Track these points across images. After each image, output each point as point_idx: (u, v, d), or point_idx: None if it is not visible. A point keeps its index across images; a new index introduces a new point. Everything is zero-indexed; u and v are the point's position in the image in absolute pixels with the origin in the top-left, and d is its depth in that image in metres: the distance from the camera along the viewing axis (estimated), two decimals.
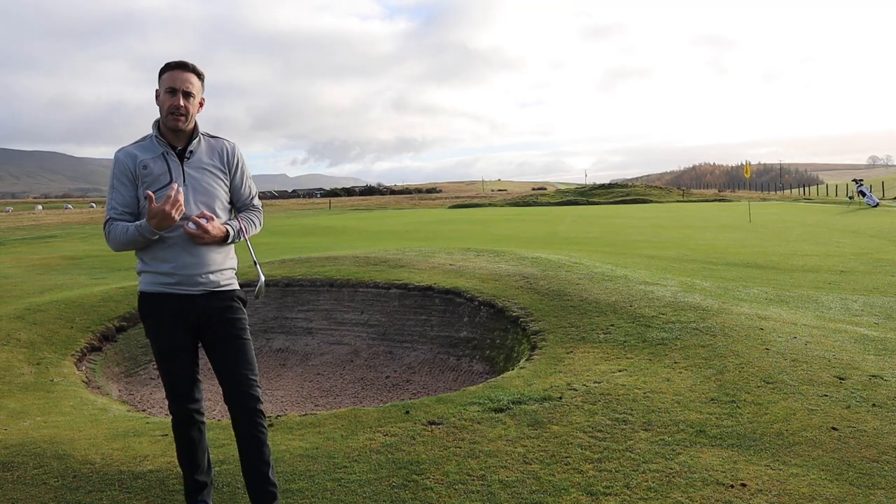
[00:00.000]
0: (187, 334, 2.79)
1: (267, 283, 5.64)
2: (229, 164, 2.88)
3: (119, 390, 6.31)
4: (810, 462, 3.20)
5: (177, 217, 2.64)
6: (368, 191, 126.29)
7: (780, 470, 3.13)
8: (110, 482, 3.30)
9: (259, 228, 3.01)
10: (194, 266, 2.73)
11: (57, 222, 38.83)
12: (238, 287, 2.91)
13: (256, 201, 3.03)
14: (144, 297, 2.80)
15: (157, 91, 2.76)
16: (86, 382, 5.85)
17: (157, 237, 2.68)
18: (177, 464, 3.44)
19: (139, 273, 2.81)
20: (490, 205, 55.56)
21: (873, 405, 3.84)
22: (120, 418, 4.54)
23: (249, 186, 2.98)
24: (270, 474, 2.79)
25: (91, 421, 4.44)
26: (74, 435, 4.02)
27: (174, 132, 2.76)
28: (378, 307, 7.93)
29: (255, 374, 2.82)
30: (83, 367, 6.26)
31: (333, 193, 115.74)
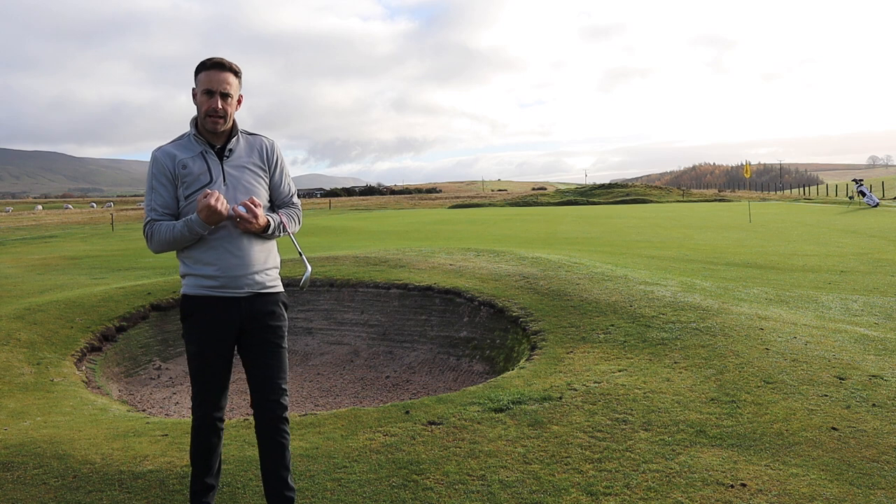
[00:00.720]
0: (229, 338, 2.74)
1: None
2: (269, 162, 2.83)
3: (119, 390, 6.30)
4: (810, 462, 3.20)
5: (224, 212, 2.60)
6: (368, 191, 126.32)
7: (780, 470, 3.13)
8: (110, 482, 3.30)
9: (298, 227, 2.96)
10: (238, 267, 2.68)
11: (57, 222, 38.83)
12: (282, 289, 2.86)
13: (296, 199, 2.97)
14: (188, 299, 2.74)
15: (193, 90, 2.70)
16: (86, 382, 5.84)
17: (206, 232, 2.63)
18: (177, 464, 3.45)
19: (183, 276, 2.76)
20: (490, 205, 55.56)
21: (873, 405, 3.84)
22: (120, 418, 4.54)
23: (289, 184, 2.93)
24: (289, 479, 2.80)
25: (91, 421, 4.44)
26: (74, 435, 4.02)
27: (213, 133, 2.72)
28: (378, 307, 7.94)
29: (286, 382, 2.81)
30: (83, 367, 6.26)
31: (333, 193, 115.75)
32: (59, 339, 6.57)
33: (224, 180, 2.70)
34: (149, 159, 2.79)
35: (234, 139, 2.75)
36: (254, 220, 2.64)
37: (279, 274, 2.88)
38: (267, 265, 2.78)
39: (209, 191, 2.61)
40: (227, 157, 2.73)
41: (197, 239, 2.65)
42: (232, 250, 2.67)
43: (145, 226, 2.70)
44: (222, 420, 2.86)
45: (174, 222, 2.65)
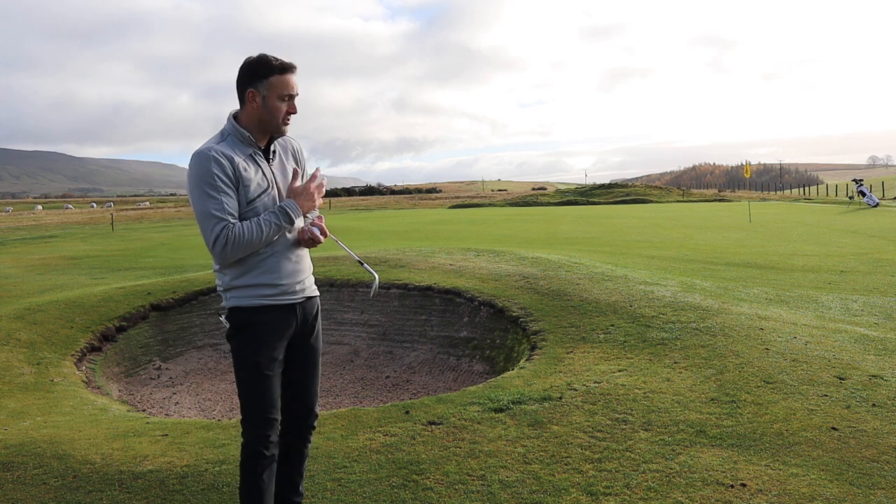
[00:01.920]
0: (284, 347, 2.62)
1: None
2: (299, 163, 2.75)
3: (119, 390, 6.30)
4: (810, 462, 3.20)
5: (319, 200, 2.56)
6: (368, 191, 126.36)
7: (780, 470, 3.13)
8: (110, 482, 3.30)
9: None
10: (296, 273, 2.60)
11: (57, 222, 38.84)
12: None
13: None
14: (243, 311, 2.54)
15: (252, 92, 2.50)
16: (86, 382, 5.84)
17: (299, 220, 2.54)
18: (177, 464, 3.45)
19: (227, 290, 2.56)
20: (490, 205, 55.56)
21: (873, 405, 3.84)
22: (120, 418, 4.54)
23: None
24: (301, 487, 2.79)
25: (91, 421, 4.44)
26: (74, 435, 4.02)
27: (263, 133, 2.58)
28: (378, 307, 7.94)
29: (318, 387, 2.80)
30: (83, 367, 6.26)
31: (333, 193, 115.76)
32: (59, 339, 6.57)
33: (275, 183, 2.58)
34: (189, 160, 2.55)
35: (275, 140, 2.64)
36: (322, 241, 2.61)
37: None
38: (310, 269, 2.74)
39: (318, 169, 2.57)
40: (273, 159, 2.62)
41: (282, 233, 2.52)
42: (289, 256, 2.59)
43: (220, 231, 2.41)
44: (276, 447, 2.61)
45: (256, 218, 2.48)
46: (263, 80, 2.50)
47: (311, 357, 2.71)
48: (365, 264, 2.91)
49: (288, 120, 2.57)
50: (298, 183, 2.58)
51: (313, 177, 2.59)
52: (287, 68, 2.51)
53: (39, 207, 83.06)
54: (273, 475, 2.61)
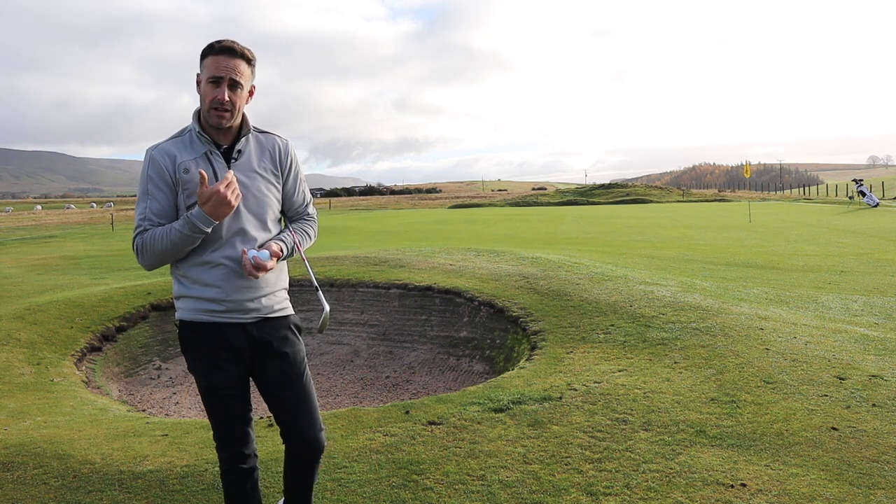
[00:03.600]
0: (239, 367, 2.37)
1: None
2: (282, 166, 2.44)
3: (119, 390, 6.30)
4: (810, 462, 3.20)
5: (234, 202, 2.22)
6: (368, 191, 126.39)
7: (780, 470, 3.13)
8: (110, 482, 3.30)
9: (313, 241, 2.58)
10: (246, 290, 2.31)
11: (57, 222, 38.84)
12: (292, 312, 2.51)
13: (311, 209, 2.59)
14: (186, 326, 2.34)
15: (197, 77, 2.29)
16: (86, 382, 5.84)
17: (209, 230, 2.23)
18: (177, 464, 3.45)
19: (177, 298, 2.36)
20: (490, 205, 55.56)
21: (873, 405, 3.84)
22: (120, 418, 4.54)
23: (303, 192, 2.54)
24: (308, 496, 2.58)
25: (91, 421, 4.44)
26: (74, 435, 4.02)
27: (218, 129, 2.32)
28: (378, 307, 7.94)
29: (317, 411, 2.45)
30: (83, 367, 6.26)
31: (333, 193, 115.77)
32: (59, 339, 6.57)
33: None
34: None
35: (243, 138, 2.36)
36: (259, 275, 2.28)
37: (289, 295, 2.54)
38: (277, 286, 2.43)
39: (229, 172, 2.24)
40: (236, 159, 2.34)
41: (197, 242, 2.25)
42: (238, 270, 2.30)
43: (135, 237, 2.27)
44: (255, 457, 2.46)
45: (168, 225, 2.24)
46: (201, 63, 2.28)
47: (285, 383, 2.40)
48: (320, 292, 2.59)
49: (219, 107, 2.25)
50: (219, 186, 2.19)
51: (225, 179, 2.21)
52: (222, 49, 2.24)
53: (39, 207, 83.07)
54: (257, 482, 2.49)
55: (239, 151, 2.35)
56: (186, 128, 2.37)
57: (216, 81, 2.24)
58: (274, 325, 2.40)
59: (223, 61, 2.24)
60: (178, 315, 2.38)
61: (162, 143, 2.34)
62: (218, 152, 2.33)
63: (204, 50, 2.28)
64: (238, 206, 2.29)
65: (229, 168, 2.32)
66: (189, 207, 2.27)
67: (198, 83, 2.30)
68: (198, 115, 2.34)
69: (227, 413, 2.39)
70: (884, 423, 3.60)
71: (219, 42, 2.27)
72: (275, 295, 2.42)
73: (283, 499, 2.69)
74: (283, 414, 2.41)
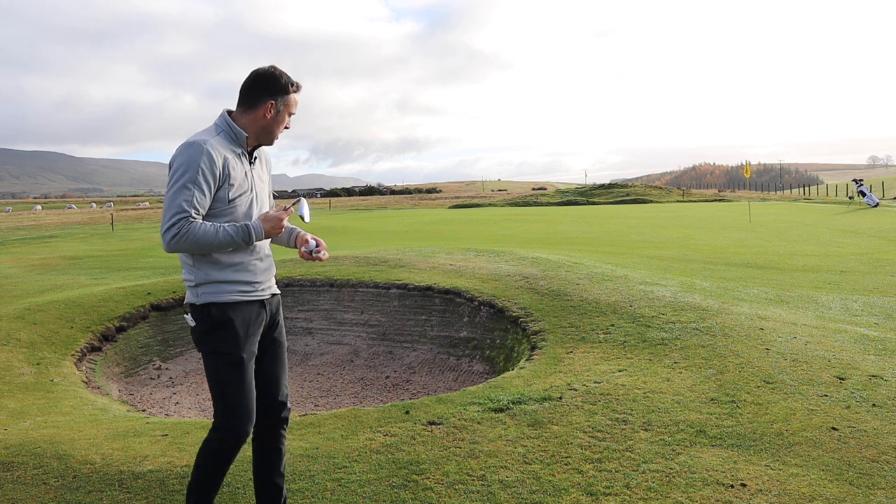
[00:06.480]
0: (258, 341, 2.71)
1: None
2: (269, 172, 2.86)
3: (119, 390, 6.30)
4: (810, 462, 3.20)
5: (283, 229, 2.66)
6: (368, 191, 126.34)
7: (780, 470, 3.13)
8: (110, 482, 3.30)
9: None
10: (267, 271, 2.73)
11: (57, 222, 38.83)
12: None
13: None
14: (220, 307, 2.56)
15: (272, 104, 2.60)
16: (86, 382, 5.84)
17: (249, 245, 2.60)
18: (177, 464, 3.45)
19: (199, 284, 2.57)
20: (490, 205, 55.57)
21: (873, 405, 3.84)
22: (120, 418, 4.53)
23: (272, 193, 2.94)
24: (283, 484, 2.82)
25: (91, 421, 4.44)
26: (74, 435, 4.02)
27: (257, 140, 2.67)
28: (378, 307, 7.94)
29: (287, 382, 2.86)
30: (83, 367, 6.26)
31: (333, 193, 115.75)
32: (59, 339, 6.57)
33: (253, 188, 2.67)
34: (180, 153, 2.48)
35: (259, 147, 2.73)
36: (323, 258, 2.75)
37: None
38: (273, 270, 2.84)
39: (287, 208, 2.67)
40: (253, 163, 2.69)
41: (236, 247, 2.57)
42: (262, 256, 2.70)
43: (178, 220, 2.41)
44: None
45: (218, 224, 2.48)
46: (284, 96, 2.62)
47: (280, 351, 2.82)
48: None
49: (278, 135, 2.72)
50: (284, 217, 2.64)
51: (286, 209, 2.67)
52: (299, 89, 2.68)
53: (39, 207, 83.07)
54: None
55: (255, 158, 2.71)
56: (219, 126, 2.60)
57: (291, 115, 2.68)
58: (277, 301, 2.83)
59: (297, 100, 2.68)
60: (203, 299, 2.56)
61: (208, 138, 2.52)
62: (246, 155, 2.65)
63: (287, 85, 2.61)
64: (255, 206, 2.68)
65: (251, 169, 2.67)
66: (231, 201, 2.55)
67: (270, 107, 2.59)
68: (228, 115, 2.62)
69: (250, 386, 2.63)
70: (884, 423, 3.60)
71: (295, 81, 2.65)
72: (274, 276, 2.84)
73: None
74: (270, 373, 2.75)
